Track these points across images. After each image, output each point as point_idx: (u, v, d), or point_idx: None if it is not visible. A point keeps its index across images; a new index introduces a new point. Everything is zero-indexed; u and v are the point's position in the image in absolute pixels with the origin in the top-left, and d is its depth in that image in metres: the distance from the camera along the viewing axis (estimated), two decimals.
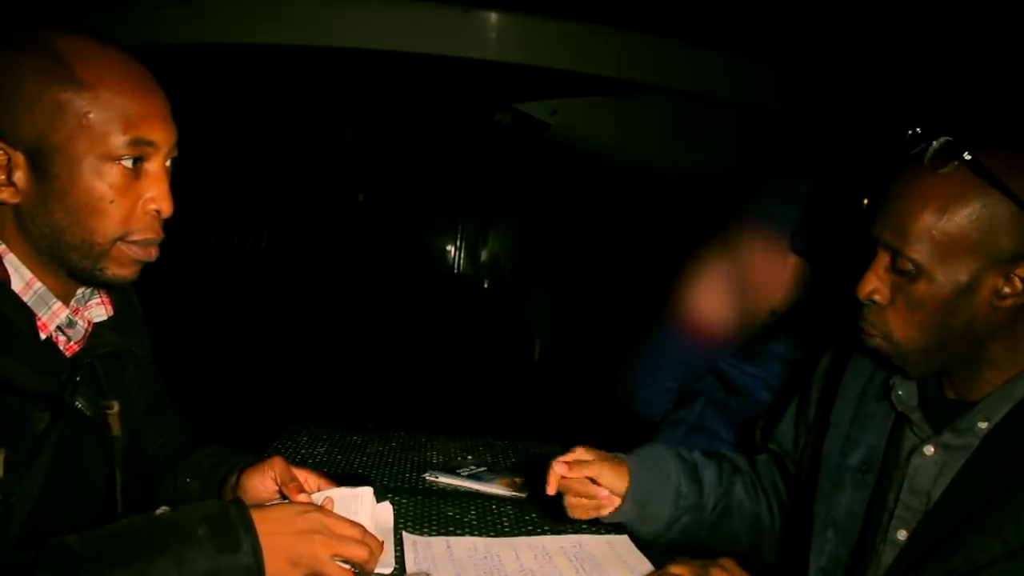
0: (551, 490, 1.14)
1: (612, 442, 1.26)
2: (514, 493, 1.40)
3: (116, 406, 0.97)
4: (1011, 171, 0.86)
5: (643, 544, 1.18)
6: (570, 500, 1.17)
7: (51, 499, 0.88)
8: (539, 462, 1.62)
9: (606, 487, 1.16)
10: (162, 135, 0.89)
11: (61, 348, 0.92)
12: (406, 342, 4.88)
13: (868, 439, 1.07)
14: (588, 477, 1.15)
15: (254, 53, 4.65)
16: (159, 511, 0.86)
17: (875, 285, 0.96)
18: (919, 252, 0.90)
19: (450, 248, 5.13)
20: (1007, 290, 0.89)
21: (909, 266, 0.91)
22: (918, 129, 0.92)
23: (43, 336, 0.89)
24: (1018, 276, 0.88)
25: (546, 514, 1.31)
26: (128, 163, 0.86)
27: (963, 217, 0.88)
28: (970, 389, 0.97)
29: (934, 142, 0.89)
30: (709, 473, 1.26)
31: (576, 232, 5.04)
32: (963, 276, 0.89)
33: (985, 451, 0.93)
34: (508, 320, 5.07)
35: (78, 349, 0.94)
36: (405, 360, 4.81)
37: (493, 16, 4.63)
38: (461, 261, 5.12)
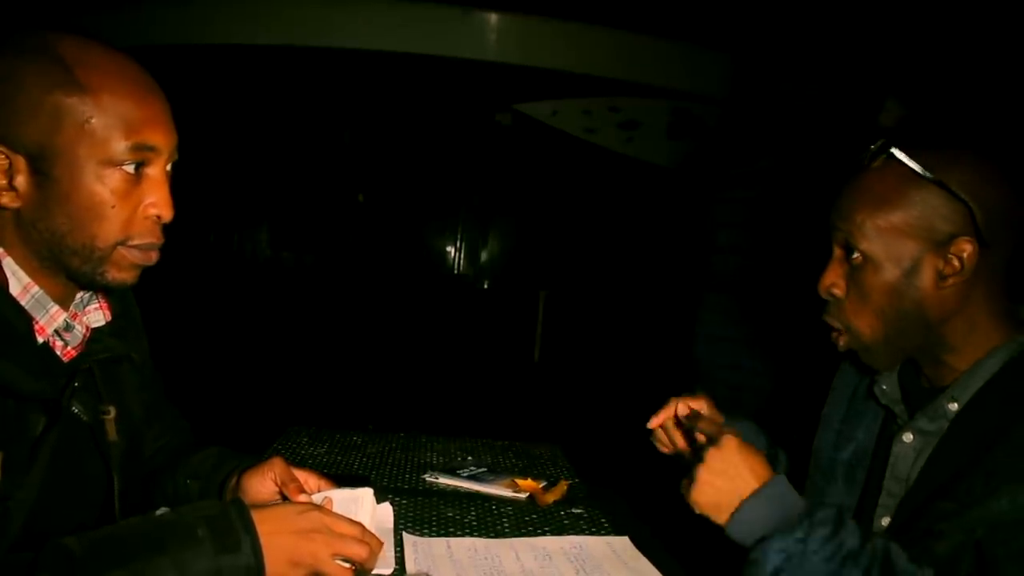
0: (656, 423, 1.14)
1: (611, 443, 1.26)
2: (514, 494, 1.40)
3: (113, 411, 0.97)
4: (939, 162, 0.94)
5: (643, 545, 1.18)
6: (661, 435, 1.18)
7: (49, 502, 0.88)
8: (539, 463, 1.63)
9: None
10: (163, 140, 0.89)
11: (58, 353, 0.92)
12: (406, 343, 4.88)
13: (859, 436, 1.13)
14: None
15: (254, 53, 4.66)
16: (159, 512, 0.86)
17: (833, 279, 1.02)
18: (865, 241, 0.97)
19: (450, 249, 5.12)
20: (947, 270, 0.95)
21: (858, 255, 0.99)
22: (870, 145, 1.01)
23: (40, 340, 0.89)
24: (954, 255, 0.94)
25: (546, 515, 1.31)
26: (130, 168, 0.86)
27: (900, 206, 0.96)
28: (940, 376, 1.02)
29: (872, 146, 0.99)
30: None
31: (575, 232, 5.04)
32: (906, 261, 0.96)
33: (955, 431, 0.98)
34: (508, 320, 5.07)
35: (76, 354, 0.94)
36: (405, 361, 4.81)
37: (493, 16, 4.64)
38: (461, 262, 5.12)
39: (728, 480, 0.94)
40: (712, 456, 0.95)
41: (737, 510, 0.93)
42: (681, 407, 1.14)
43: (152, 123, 0.87)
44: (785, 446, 1.31)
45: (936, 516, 0.90)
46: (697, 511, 0.97)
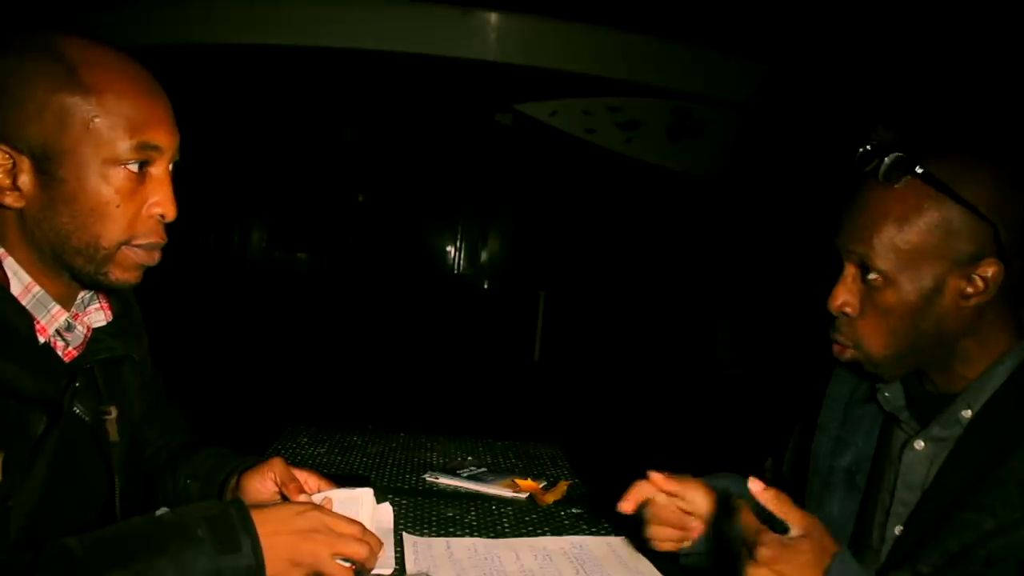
0: (629, 507, 1.06)
1: (611, 443, 1.26)
2: (514, 494, 1.40)
3: (114, 412, 0.97)
4: (962, 179, 0.91)
5: (643, 545, 1.18)
6: (655, 531, 1.09)
7: (50, 503, 0.88)
8: (539, 463, 1.63)
9: (693, 511, 1.09)
10: (167, 139, 0.89)
11: (60, 353, 0.92)
12: (406, 343, 4.88)
13: (857, 441, 1.11)
14: (676, 500, 1.08)
15: (254, 53, 4.66)
16: (159, 512, 0.86)
17: (845, 297, 0.99)
18: (885, 262, 0.94)
19: (450, 249, 5.12)
20: (970, 290, 0.93)
21: (877, 276, 0.96)
22: (868, 147, 0.96)
23: (41, 340, 0.89)
24: (979, 276, 0.93)
25: (546, 515, 1.31)
26: (134, 167, 0.87)
27: (923, 226, 0.93)
28: (949, 383, 1.01)
29: (886, 158, 0.94)
30: None
31: (574, 232, 5.04)
32: (928, 281, 0.94)
33: (970, 437, 0.96)
34: (508, 320, 5.07)
35: (77, 355, 0.94)
36: (405, 361, 4.81)
37: (493, 16, 4.64)
38: (461, 262, 5.12)
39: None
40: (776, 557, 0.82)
41: None
42: (651, 488, 1.06)
43: (156, 123, 0.87)
44: (782, 452, 1.30)
45: (967, 530, 0.88)
46: None
